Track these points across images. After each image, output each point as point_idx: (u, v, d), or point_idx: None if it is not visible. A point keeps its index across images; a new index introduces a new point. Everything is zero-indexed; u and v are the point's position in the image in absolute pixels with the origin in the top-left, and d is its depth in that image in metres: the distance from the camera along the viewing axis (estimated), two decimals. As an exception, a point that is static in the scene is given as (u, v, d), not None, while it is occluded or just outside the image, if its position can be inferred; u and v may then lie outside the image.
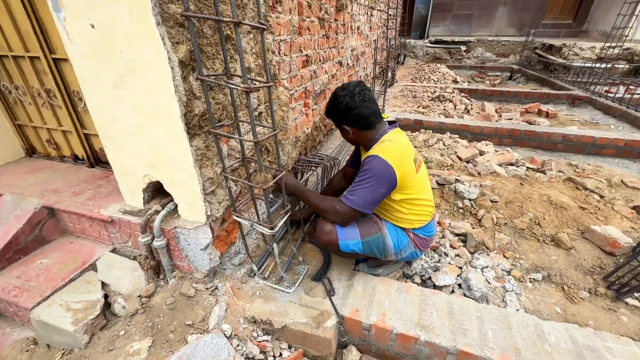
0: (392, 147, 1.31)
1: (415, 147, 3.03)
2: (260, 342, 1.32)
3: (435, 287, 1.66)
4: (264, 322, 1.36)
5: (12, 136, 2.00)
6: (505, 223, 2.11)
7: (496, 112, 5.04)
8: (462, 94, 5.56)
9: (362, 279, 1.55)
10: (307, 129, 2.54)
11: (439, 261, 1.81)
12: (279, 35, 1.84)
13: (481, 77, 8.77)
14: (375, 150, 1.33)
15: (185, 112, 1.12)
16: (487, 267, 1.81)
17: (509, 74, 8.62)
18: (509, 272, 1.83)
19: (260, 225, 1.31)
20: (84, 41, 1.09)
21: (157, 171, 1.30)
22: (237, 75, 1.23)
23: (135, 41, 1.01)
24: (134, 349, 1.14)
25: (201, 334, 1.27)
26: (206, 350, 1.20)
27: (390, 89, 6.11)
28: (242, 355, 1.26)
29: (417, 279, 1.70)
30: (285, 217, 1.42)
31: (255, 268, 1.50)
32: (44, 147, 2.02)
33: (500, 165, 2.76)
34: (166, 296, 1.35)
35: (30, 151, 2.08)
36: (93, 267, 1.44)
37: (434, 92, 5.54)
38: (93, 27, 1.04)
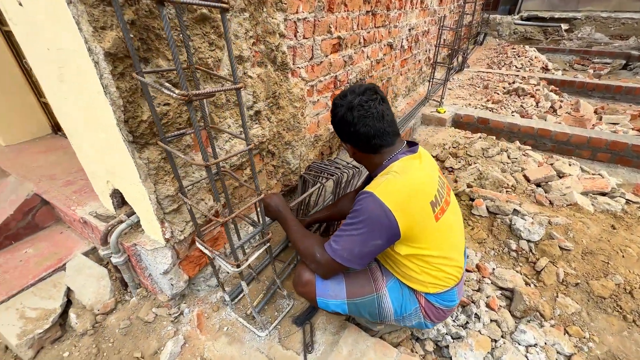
0: (394, 184, 0.92)
1: (469, 156, 2.45)
2: (213, 393, 1.11)
3: (452, 361, 1.26)
4: (221, 371, 1.14)
5: (38, 113, 2.04)
6: (577, 284, 1.54)
7: (595, 113, 3.96)
8: (551, 87, 4.48)
9: (352, 337, 1.22)
10: (334, 125, 2.17)
11: (465, 325, 1.38)
12: (295, 12, 1.48)
13: (583, 65, 7.10)
14: (372, 185, 0.95)
15: (126, 118, 0.88)
16: (535, 345, 1.33)
17: (623, 62, 6.80)
18: (568, 358, 1.32)
19: (224, 260, 1.05)
20: (19, 21, 0.89)
21: (114, 180, 1.12)
22: (204, 70, 0.94)
23: (55, 24, 0.77)
24: (66, 382, 1.02)
25: (148, 371, 1.11)
26: (145, 396, 1.03)
27: (458, 75, 5.25)
28: (188, 406, 1.07)
29: (430, 345, 1.31)
30: (261, 251, 1.14)
31: (227, 298, 1.28)
32: (66, 125, 2.03)
33: (585, 194, 2.06)
34: (122, 317, 1.21)
35: (56, 128, 2.12)
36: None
37: (512, 82, 4.56)
38: (21, 4, 0.83)
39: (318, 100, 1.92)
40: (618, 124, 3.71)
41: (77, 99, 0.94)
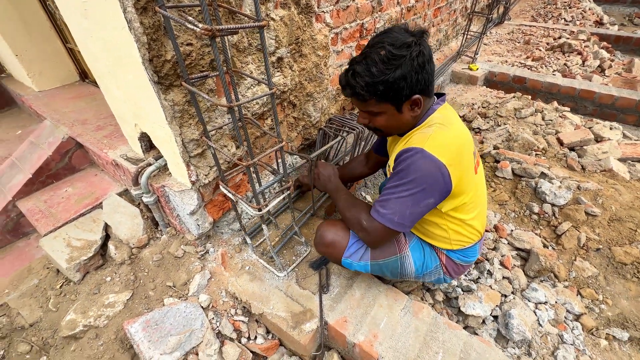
0: (445, 136, 0.86)
1: (499, 116, 2.32)
2: (236, 320, 1.23)
3: (459, 311, 1.32)
4: (243, 303, 1.25)
5: (66, 59, 2.07)
6: (599, 249, 1.51)
7: (650, 75, 3.55)
8: (603, 44, 4.01)
9: (365, 283, 1.29)
10: (357, 78, 2.08)
11: (477, 279, 1.41)
12: (323, -55, 1.35)
13: (645, 19, 6.24)
14: (418, 141, 0.86)
15: (151, 56, 0.88)
16: (545, 302, 1.35)
17: (696, 16, 5.92)
18: (578, 317, 1.35)
19: (246, 204, 1.10)
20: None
21: (142, 122, 1.15)
22: (227, 7, 0.90)
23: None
24: (109, 301, 1.16)
25: (179, 298, 1.24)
26: (177, 318, 1.16)
27: (496, 28, 4.77)
28: (215, 330, 1.20)
29: (440, 296, 1.37)
30: (281, 198, 1.18)
31: (249, 240, 1.36)
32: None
33: (622, 160, 1.93)
34: (155, 251, 1.33)
35: (83, 75, 2.16)
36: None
37: (558, 37, 4.11)
38: None
39: (342, 50, 1.83)
40: (675, 87, 3.33)
41: (102, 37, 0.94)
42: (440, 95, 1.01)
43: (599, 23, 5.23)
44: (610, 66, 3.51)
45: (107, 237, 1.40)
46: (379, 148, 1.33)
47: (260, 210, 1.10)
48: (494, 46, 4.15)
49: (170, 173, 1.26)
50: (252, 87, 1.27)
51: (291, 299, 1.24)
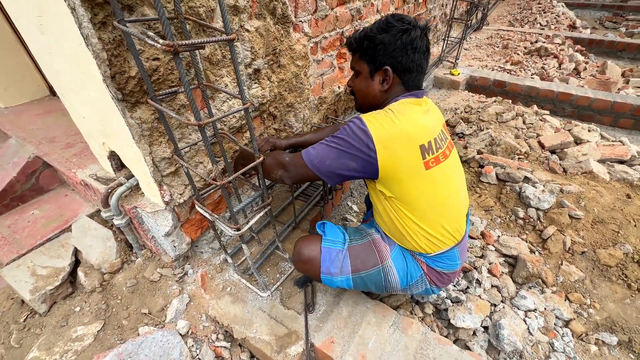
0: (384, 118, 0.89)
1: (482, 121, 2.34)
2: (217, 346, 1.16)
3: (450, 324, 1.29)
4: (225, 327, 1.19)
5: (34, 73, 1.97)
6: (584, 252, 1.51)
7: (623, 76, 3.69)
8: (577, 47, 4.15)
9: (352, 299, 1.24)
10: (339, 87, 2.06)
11: (465, 289, 1.39)
12: (297, -44, 1.32)
13: (615, 22, 6.52)
14: (366, 114, 0.94)
15: (113, 73, 0.82)
16: (534, 310, 1.34)
17: (661, 19, 6.22)
18: (567, 323, 1.34)
19: (224, 224, 1.04)
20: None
21: (110, 141, 1.08)
22: (194, 20, 0.86)
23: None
24: (78, 334, 1.07)
25: (155, 326, 1.16)
26: (153, 348, 1.09)
27: (475, 34, 4.88)
28: (195, 358, 1.13)
29: (430, 308, 1.33)
30: (261, 214, 1.12)
31: (230, 260, 1.30)
32: (63, 86, 1.98)
33: (602, 162, 1.97)
34: (129, 276, 1.25)
35: (53, 90, 2.06)
36: (74, 227, 1.39)
37: (535, 41, 4.23)
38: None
39: (323, 59, 1.80)
40: (646, 87, 3.46)
41: (61, 53, 0.88)
42: (419, 90, 1.01)
43: (573, 27, 5.42)
44: (585, 68, 3.62)
45: (77, 263, 1.31)
46: None
47: (238, 229, 1.04)
48: (474, 51, 4.23)
49: (143, 193, 1.19)
50: (227, 100, 1.22)
51: (275, 321, 1.18)
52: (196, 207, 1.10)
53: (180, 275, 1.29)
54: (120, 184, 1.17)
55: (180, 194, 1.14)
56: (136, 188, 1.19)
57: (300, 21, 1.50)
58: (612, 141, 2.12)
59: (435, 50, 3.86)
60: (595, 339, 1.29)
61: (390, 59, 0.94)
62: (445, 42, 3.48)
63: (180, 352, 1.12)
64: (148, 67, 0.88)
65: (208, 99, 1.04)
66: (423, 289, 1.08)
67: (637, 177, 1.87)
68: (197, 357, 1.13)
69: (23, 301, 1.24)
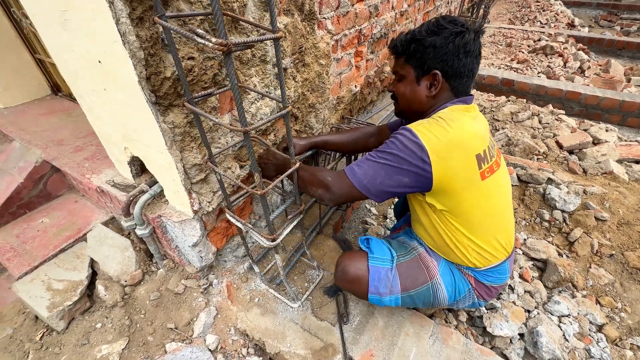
0: (437, 128, 0.82)
1: (496, 120, 2.31)
2: (248, 362, 1.10)
3: (484, 331, 1.25)
4: (256, 341, 1.13)
5: (35, 71, 1.86)
6: (612, 255, 1.50)
7: (625, 74, 3.72)
8: (579, 46, 4.16)
9: (387, 308, 1.20)
10: (356, 86, 2.00)
11: (499, 295, 1.35)
12: (325, -52, 1.26)
13: (609, 21, 6.60)
14: (413, 123, 0.87)
15: (148, 74, 0.75)
16: (568, 315, 1.31)
17: (655, 18, 6.31)
18: (600, 328, 1.32)
19: (257, 233, 0.98)
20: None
21: (134, 147, 1.01)
22: (231, 16, 0.79)
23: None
24: (102, 354, 1.00)
25: (183, 341, 1.09)
26: (182, 366, 1.02)
27: (477, 31, 4.86)
28: (226, 375, 1.07)
29: (463, 316, 1.30)
30: (295, 223, 1.07)
31: (257, 269, 1.23)
32: (67, 86, 1.87)
33: (620, 162, 1.96)
34: (152, 289, 1.18)
35: (55, 89, 1.96)
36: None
37: (538, 39, 4.23)
38: None
39: (342, 57, 1.75)
40: (649, 86, 3.49)
41: (87, 52, 0.80)
42: (469, 96, 0.95)
43: (571, 25, 5.46)
44: (589, 67, 3.64)
45: (94, 275, 1.23)
46: (394, 125, 1.24)
47: (274, 240, 0.99)
48: (478, 49, 4.22)
49: (167, 200, 1.12)
50: (255, 101, 1.16)
51: (309, 333, 1.13)
52: (227, 216, 1.04)
53: (205, 286, 1.22)
54: (143, 192, 1.09)
55: (209, 202, 1.08)
56: (159, 195, 1.12)
57: (324, 18, 1.43)
58: (628, 141, 2.11)
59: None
60: (630, 343, 1.28)
61: (441, 63, 0.87)
62: (452, 40, 3.45)
63: (210, 369, 1.06)
64: (184, 67, 0.81)
65: (240, 100, 0.98)
66: (470, 303, 1.04)
67: (655, 177, 1.87)
68: (228, 373, 1.07)
69: (37, 317, 1.16)
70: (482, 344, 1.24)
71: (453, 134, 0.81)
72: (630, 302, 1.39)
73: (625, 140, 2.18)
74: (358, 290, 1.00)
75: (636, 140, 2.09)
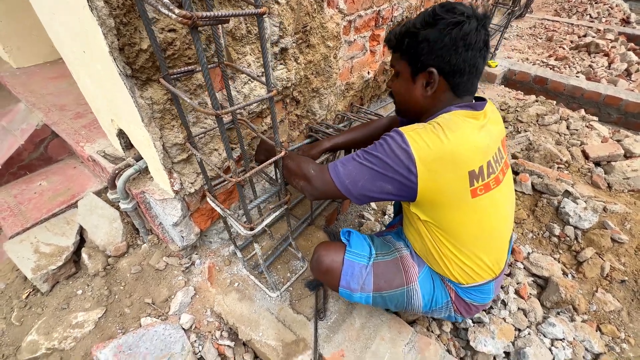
0: (432, 137, 0.73)
1: (520, 122, 2.14)
2: (221, 344, 1.11)
3: (468, 344, 1.19)
4: (230, 326, 1.12)
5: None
6: (624, 281, 1.38)
7: (678, 82, 3.33)
8: (630, 45, 3.76)
9: (367, 309, 1.16)
10: (369, 72, 1.89)
11: (489, 310, 1.28)
12: None
13: (673, 19, 5.89)
14: (407, 127, 0.78)
15: (121, 44, 0.70)
16: (562, 339, 1.23)
17: None
18: (596, 357, 1.23)
19: (236, 221, 0.95)
20: None
21: (119, 119, 0.98)
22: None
23: None
24: (78, 320, 1.03)
25: (158, 317, 1.11)
26: (154, 341, 1.04)
27: (517, 22, 4.49)
28: (197, 355, 1.08)
29: (448, 326, 1.24)
30: (277, 213, 1.03)
31: (239, 254, 1.22)
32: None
33: (652, 180, 1.77)
34: (134, 262, 1.19)
35: (68, 52, 1.96)
36: (81, 203, 1.33)
37: (584, 35, 3.85)
38: None
39: (355, 40, 1.63)
40: None
41: (65, 17, 0.76)
42: (479, 99, 0.85)
43: (626, 22, 4.93)
44: (637, 70, 3.29)
45: (82, 241, 1.25)
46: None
47: (252, 229, 0.95)
48: (514, 41, 3.90)
49: (152, 177, 1.10)
50: (249, 82, 1.10)
51: (283, 325, 1.11)
52: (208, 200, 1.01)
53: (187, 265, 1.22)
54: (129, 166, 1.08)
55: (192, 183, 1.05)
56: (145, 171, 1.11)
57: (336, -5, 1.32)
58: (666, 157, 1.90)
59: (472, 38, 3.55)
60: (627, 378, 1.19)
61: (436, 59, 0.77)
62: (486, 29, 3.19)
63: (182, 347, 1.06)
64: (162, 39, 0.76)
65: (228, 80, 0.92)
66: (446, 315, 0.99)
67: (691, 201, 1.69)
68: (200, 353, 1.08)
69: (26, 278, 1.20)
70: (462, 358, 1.19)
71: (448, 146, 0.72)
72: (635, 334, 1.28)
73: (664, 156, 1.97)
74: (330, 281, 0.97)
75: (676, 157, 1.88)
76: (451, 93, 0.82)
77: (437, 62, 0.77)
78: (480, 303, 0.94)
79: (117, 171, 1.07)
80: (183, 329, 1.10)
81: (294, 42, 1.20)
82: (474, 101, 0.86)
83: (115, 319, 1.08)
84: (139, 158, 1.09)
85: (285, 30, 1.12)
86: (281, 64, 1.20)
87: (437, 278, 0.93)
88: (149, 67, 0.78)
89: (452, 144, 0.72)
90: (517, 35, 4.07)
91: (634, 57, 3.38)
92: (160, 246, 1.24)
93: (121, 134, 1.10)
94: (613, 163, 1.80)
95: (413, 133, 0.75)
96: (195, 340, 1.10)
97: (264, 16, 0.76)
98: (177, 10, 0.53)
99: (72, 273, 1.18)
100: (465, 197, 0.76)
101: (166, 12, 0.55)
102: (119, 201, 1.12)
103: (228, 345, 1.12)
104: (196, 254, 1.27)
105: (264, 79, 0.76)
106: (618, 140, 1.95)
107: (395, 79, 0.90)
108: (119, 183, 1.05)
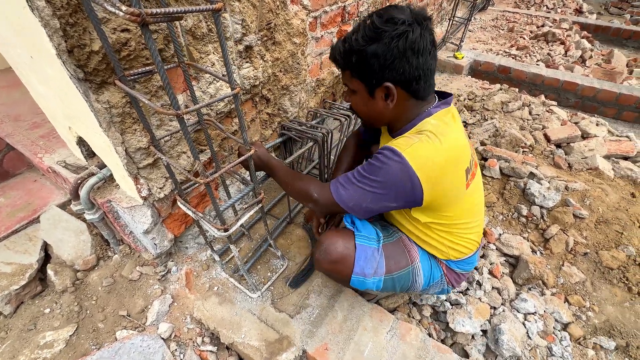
0: (431, 149, 0.75)
1: (486, 110, 2.23)
2: (203, 350, 1.09)
3: (447, 327, 1.23)
4: (212, 330, 1.10)
5: None
6: (586, 253, 1.47)
7: (627, 66, 3.59)
8: (583, 33, 4.00)
9: (349, 302, 1.17)
10: (339, 68, 1.89)
11: (465, 291, 1.33)
12: None
13: (620, 8, 6.32)
14: (402, 143, 0.76)
15: (70, 46, 0.67)
16: (534, 313, 1.30)
17: (667, 7, 6.05)
18: (565, 327, 1.31)
19: (209, 224, 0.93)
20: None
21: (77, 127, 0.94)
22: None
23: None
24: (47, 340, 0.97)
25: (135, 329, 1.07)
26: (132, 354, 1.00)
27: (480, 14, 4.66)
28: (178, 363, 1.05)
29: (427, 310, 1.28)
30: (252, 212, 1.02)
31: (217, 257, 1.20)
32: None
33: (607, 158, 1.90)
34: (105, 275, 1.14)
35: (20, 59, 1.84)
36: (43, 218, 1.26)
37: (542, 25, 4.05)
38: None
39: (322, 36, 1.64)
40: (650, 79, 3.38)
41: (6, 20, 0.71)
42: (446, 95, 0.87)
43: (579, 11, 5.23)
44: (591, 56, 3.50)
45: (48, 258, 1.19)
46: (368, 134, 1.18)
47: (226, 230, 0.94)
48: (479, 33, 4.04)
49: (118, 185, 1.06)
50: (215, 81, 1.08)
51: (266, 325, 1.10)
52: (179, 204, 0.98)
53: (163, 273, 1.19)
54: (92, 174, 1.03)
55: (161, 188, 1.02)
56: (110, 178, 1.06)
57: (299, -9, 1.32)
58: (619, 136, 2.05)
59: (438, 31, 3.66)
60: (593, 343, 1.27)
61: (389, 73, 0.76)
62: (450, 22, 3.29)
63: (162, 357, 1.04)
64: (115, 39, 0.73)
65: (190, 80, 0.90)
66: (439, 290, 1.05)
67: (641, 175, 1.82)
68: (181, 362, 1.06)
69: (-13, 299, 1.13)
70: (443, 340, 1.23)
71: (446, 153, 0.75)
72: (598, 302, 1.37)
73: (617, 136, 2.11)
74: (341, 270, 0.92)
75: (627, 136, 2.02)
76: (413, 99, 0.82)
77: (391, 76, 0.76)
78: (466, 271, 1.02)
79: (79, 181, 1.02)
80: (162, 338, 1.07)
81: (258, 40, 1.19)
82: (437, 97, 0.89)
83: (88, 335, 1.03)
84: (102, 166, 1.05)
85: (248, 28, 1.10)
86: (247, 62, 1.19)
87: (430, 255, 0.98)
88: (104, 70, 0.75)
89: (449, 150, 0.75)
90: (481, 27, 4.23)
91: (587, 45, 3.60)
92: (133, 256, 1.19)
93: (81, 142, 1.04)
94: (572, 144, 1.91)
95: (411, 150, 0.74)
96: (175, 349, 1.07)
97: (220, 12, 0.74)
98: (124, 8, 0.52)
99: (38, 292, 1.12)
100: (462, 191, 0.82)
101: (113, 10, 0.53)
102: (84, 212, 1.07)
103: (210, 351, 1.10)
104: (172, 260, 1.24)
105: (232, 77, 0.75)
106: (576, 123, 2.07)
107: (351, 94, 0.88)
108: (82, 193, 1.00)
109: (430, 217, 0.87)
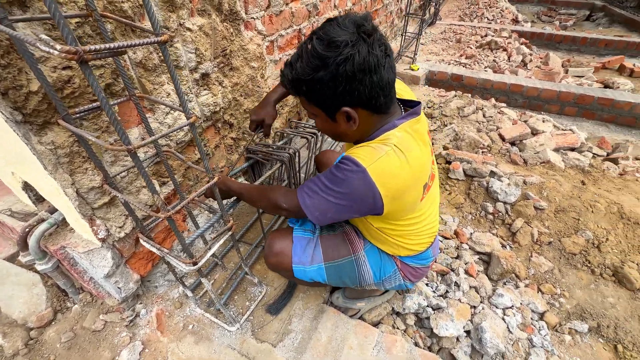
0: (395, 165, 0.74)
1: (444, 116, 2.35)
2: (181, 398, 1.00)
3: (432, 332, 1.24)
4: (189, 374, 1.03)
5: None
6: (550, 242, 1.55)
7: (562, 66, 3.96)
8: (521, 40, 4.39)
9: (332, 321, 1.15)
10: (301, 88, 1.93)
11: (445, 294, 1.35)
12: (242, -56, 1.17)
13: (549, 16, 7.06)
14: (365, 154, 0.74)
15: (4, 89, 0.63)
16: (512, 307, 1.33)
17: (587, 13, 6.84)
18: (542, 316, 1.35)
19: (176, 259, 0.88)
20: None
21: (21, 171, 0.87)
22: (114, 19, 0.68)
23: None
24: (-4, 415, 0.85)
25: (102, 386, 0.97)
26: (99, 415, 0.90)
27: (430, 28, 4.99)
28: (154, 417, 0.96)
29: (411, 319, 1.28)
30: (221, 242, 0.98)
31: (189, 293, 1.13)
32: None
33: (557, 150, 2.05)
34: (63, 329, 1.04)
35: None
36: (-12, 274, 1.14)
37: (485, 35, 4.41)
38: None
39: (281, 58, 1.67)
40: (583, 76, 3.75)
41: None
42: (414, 104, 0.86)
43: (515, 21, 5.77)
44: (531, 60, 3.84)
45: (-6, 319, 1.06)
46: None
47: (195, 264, 0.89)
48: (431, 45, 4.32)
49: (73, 229, 0.99)
50: (171, 112, 1.05)
51: (247, 359, 1.04)
52: (141, 241, 0.92)
53: (131, 318, 1.10)
54: (42, 220, 0.95)
55: (120, 227, 0.96)
56: (64, 223, 0.98)
57: (252, 18, 1.35)
58: (564, 130, 2.23)
59: (393, 46, 3.86)
60: (569, 328, 1.32)
61: (345, 97, 0.71)
62: (403, 37, 3.49)
63: (136, 413, 0.94)
64: (56, 78, 0.70)
65: (144, 112, 0.87)
66: (397, 284, 1.06)
67: (588, 163, 1.98)
68: (157, 414, 0.97)
69: None
70: (430, 346, 1.23)
71: (410, 171, 0.76)
72: (568, 287, 1.44)
73: (562, 129, 2.30)
74: (283, 261, 1.00)
75: (570, 129, 2.21)
76: (377, 115, 0.79)
77: (347, 100, 0.72)
78: (423, 265, 1.03)
79: (27, 229, 0.94)
80: (134, 391, 0.98)
81: (215, 67, 1.19)
82: (402, 107, 0.86)
83: (46, 401, 0.92)
84: (53, 210, 0.97)
85: (202, 56, 1.10)
86: (205, 89, 1.18)
87: (380, 250, 1.00)
88: (45, 110, 0.71)
89: (413, 168, 0.76)
90: (432, 40, 4.53)
91: (526, 50, 3.95)
92: (95, 304, 1.10)
93: (28, 187, 0.97)
94: (524, 141, 2.05)
95: (376, 166, 0.72)
96: (150, 401, 0.98)
97: (166, 44, 0.74)
98: (59, 47, 0.49)
99: (-15, 359, 0.99)
100: (418, 202, 0.85)
101: (47, 49, 0.50)
102: (35, 263, 0.98)
103: (190, 397, 1.02)
104: (140, 303, 1.15)
105: (181, 108, 0.74)
106: (525, 121, 2.23)
107: (314, 116, 0.83)
108: (31, 242, 0.92)
109: (383, 223, 0.90)
